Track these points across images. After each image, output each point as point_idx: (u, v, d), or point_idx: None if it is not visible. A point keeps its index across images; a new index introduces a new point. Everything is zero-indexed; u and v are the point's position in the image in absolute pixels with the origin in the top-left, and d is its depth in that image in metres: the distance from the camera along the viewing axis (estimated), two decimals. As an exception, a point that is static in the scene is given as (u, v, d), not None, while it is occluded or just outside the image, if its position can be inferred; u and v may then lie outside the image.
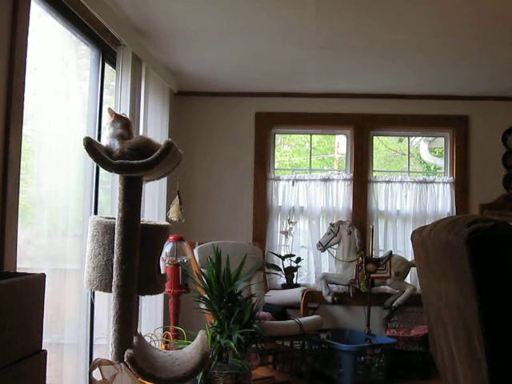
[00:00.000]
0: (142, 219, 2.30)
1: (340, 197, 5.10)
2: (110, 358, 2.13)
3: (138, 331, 2.38)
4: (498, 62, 4.07)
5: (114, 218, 2.24)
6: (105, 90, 3.37)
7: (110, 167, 2.16)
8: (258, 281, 4.56)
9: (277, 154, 5.36)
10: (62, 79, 2.90)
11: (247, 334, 3.50)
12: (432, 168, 6.19)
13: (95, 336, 3.21)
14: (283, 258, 4.86)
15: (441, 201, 5.08)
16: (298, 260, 4.84)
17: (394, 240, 5.09)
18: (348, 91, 4.98)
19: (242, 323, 3.52)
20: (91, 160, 2.20)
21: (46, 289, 1.91)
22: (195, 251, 4.33)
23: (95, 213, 3.21)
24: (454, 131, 5.10)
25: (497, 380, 1.62)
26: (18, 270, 2.17)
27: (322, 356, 4.32)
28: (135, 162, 2.14)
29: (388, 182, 5.13)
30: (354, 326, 4.73)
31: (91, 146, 2.13)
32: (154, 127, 4.02)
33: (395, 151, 6.44)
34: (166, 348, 3.52)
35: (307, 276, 5.07)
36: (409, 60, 4.08)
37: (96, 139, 2.91)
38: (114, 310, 2.15)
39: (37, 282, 1.88)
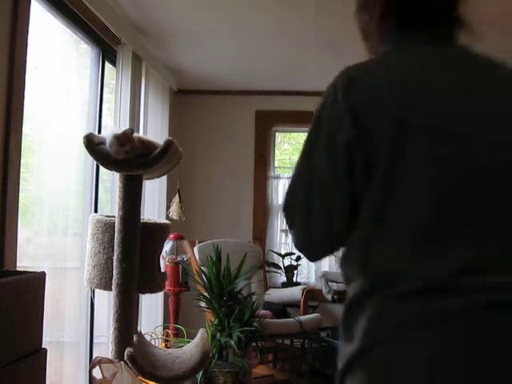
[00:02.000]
0: (142, 218, 2.30)
1: (340, 195, 5.09)
2: (110, 357, 2.13)
3: (138, 329, 2.39)
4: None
5: (114, 217, 2.24)
6: (105, 89, 3.37)
7: (110, 165, 2.16)
8: (258, 279, 4.57)
9: (277, 152, 5.35)
10: (62, 78, 2.90)
11: (247, 332, 3.51)
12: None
13: (95, 334, 3.21)
14: (283, 257, 4.86)
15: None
16: (298, 258, 4.83)
17: (394, 238, 5.08)
18: (348, 90, 4.97)
19: (242, 321, 3.53)
20: (91, 158, 2.20)
21: (46, 287, 1.92)
22: (195, 249, 4.33)
23: (95, 211, 3.21)
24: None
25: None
26: (18, 269, 2.17)
27: (322, 354, 4.32)
28: (135, 160, 2.15)
29: (388, 180, 5.12)
30: (354, 325, 4.72)
31: (91, 145, 2.13)
32: (155, 126, 4.02)
33: (395, 150, 6.44)
34: (166, 346, 3.52)
35: (307, 274, 5.08)
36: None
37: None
38: (114, 308, 2.15)
39: (37, 281, 1.88)
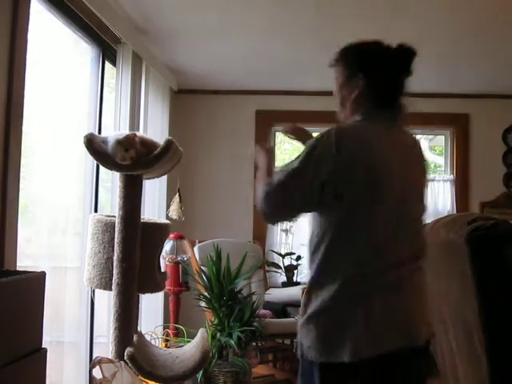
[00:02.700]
0: (142, 217, 2.30)
1: (340, 195, 5.09)
2: (110, 356, 2.13)
3: (138, 329, 2.38)
4: (499, 60, 4.06)
5: (114, 216, 2.24)
6: (105, 88, 3.37)
7: (110, 165, 2.16)
8: (259, 279, 4.56)
9: (277, 152, 5.35)
10: (63, 77, 2.90)
11: (247, 332, 3.51)
12: (432, 166, 6.18)
13: (95, 334, 3.21)
14: (283, 256, 4.86)
15: (441, 199, 5.08)
16: (299, 258, 4.83)
17: (395, 238, 5.08)
18: (348, 89, 4.96)
19: (243, 321, 3.52)
20: (91, 158, 2.20)
21: (46, 287, 1.92)
22: (195, 249, 4.33)
23: (95, 211, 3.21)
24: (455, 129, 5.10)
25: (497, 377, 1.62)
26: (18, 268, 2.17)
27: (322, 354, 4.32)
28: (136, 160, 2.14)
29: (388, 180, 5.12)
30: (354, 324, 4.72)
31: (91, 144, 2.13)
32: (155, 125, 4.02)
33: (395, 149, 6.43)
34: (166, 346, 3.52)
35: (307, 274, 5.06)
36: (409, 58, 4.07)
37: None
38: (114, 308, 2.15)
39: (37, 280, 1.88)
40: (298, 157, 1.62)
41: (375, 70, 1.70)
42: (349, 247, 1.55)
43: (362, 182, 1.53)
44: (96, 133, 3.19)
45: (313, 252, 1.63)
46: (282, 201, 1.64)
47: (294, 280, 4.82)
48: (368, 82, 1.69)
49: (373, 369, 1.49)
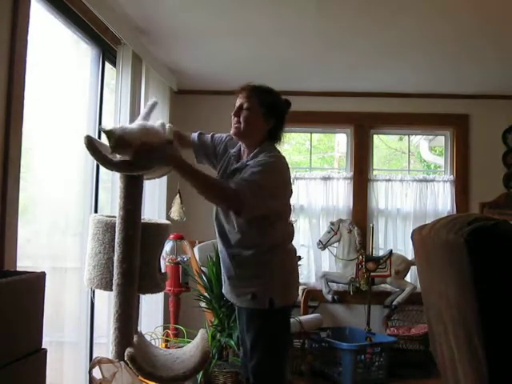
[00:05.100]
0: (142, 218, 2.30)
1: (340, 195, 5.10)
2: (110, 357, 2.13)
3: (139, 330, 2.38)
4: (499, 61, 4.06)
5: (114, 217, 2.24)
6: (105, 89, 3.37)
7: (111, 166, 2.16)
8: (259, 279, 4.55)
9: (277, 152, 5.33)
10: (63, 78, 2.90)
11: (247, 332, 3.50)
12: (432, 166, 6.19)
13: (95, 334, 3.21)
14: (283, 257, 4.85)
15: (441, 199, 5.08)
16: (299, 258, 4.81)
17: (394, 238, 5.09)
18: (348, 90, 4.97)
19: (243, 322, 3.52)
20: (91, 158, 2.20)
21: (46, 287, 1.92)
22: (195, 250, 4.32)
23: (95, 211, 3.21)
24: (454, 130, 5.10)
25: (496, 377, 1.62)
26: (18, 269, 2.17)
27: (322, 354, 4.32)
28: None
29: (388, 180, 5.12)
30: (354, 325, 4.73)
31: (92, 145, 2.13)
32: (155, 126, 4.01)
33: (395, 150, 6.44)
34: (166, 346, 3.52)
35: (307, 274, 5.07)
36: (409, 59, 4.08)
37: (96, 137, 2.91)
38: (114, 308, 2.15)
39: (37, 281, 1.88)
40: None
41: (280, 118, 2.62)
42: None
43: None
44: (96, 134, 3.20)
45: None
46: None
47: (294, 280, 4.81)
48: (276, 123, 2.58)
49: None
